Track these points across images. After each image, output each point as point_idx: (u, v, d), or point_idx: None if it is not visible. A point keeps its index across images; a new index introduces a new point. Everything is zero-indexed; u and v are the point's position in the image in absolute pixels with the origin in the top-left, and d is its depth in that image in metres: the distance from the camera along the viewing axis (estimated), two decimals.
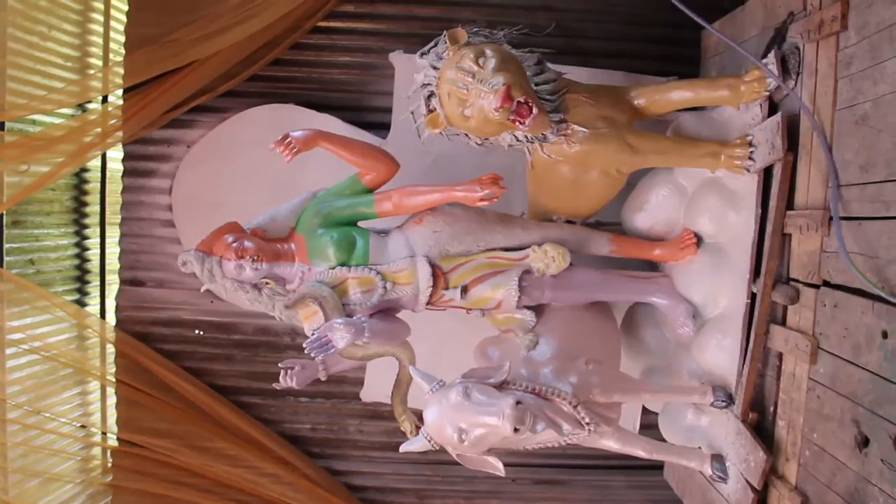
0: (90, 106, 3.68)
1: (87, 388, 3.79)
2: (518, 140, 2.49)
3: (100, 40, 3.80)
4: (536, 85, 2.44)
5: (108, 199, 3.92)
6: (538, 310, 2.77)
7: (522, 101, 2.29)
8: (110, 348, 3.75)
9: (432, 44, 2.48)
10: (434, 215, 2.72)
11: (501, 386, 2.38)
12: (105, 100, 3.65)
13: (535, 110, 2.30)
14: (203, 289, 2.76)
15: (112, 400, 3.78)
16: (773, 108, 2.55)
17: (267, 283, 2.69)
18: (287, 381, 2.65)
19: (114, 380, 3.68)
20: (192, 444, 3.62)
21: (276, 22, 3.50)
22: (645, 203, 2.90)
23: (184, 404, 3.64)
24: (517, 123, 2.32)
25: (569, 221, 2.89)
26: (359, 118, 3.54)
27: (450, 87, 2.37)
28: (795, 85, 2.44)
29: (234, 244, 2.61)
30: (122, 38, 3.65)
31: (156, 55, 3.44)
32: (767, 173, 2.51)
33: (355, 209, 2.73)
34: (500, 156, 2.70)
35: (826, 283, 2.22)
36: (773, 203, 2.46)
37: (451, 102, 2.39)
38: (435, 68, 2.42)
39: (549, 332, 2.70)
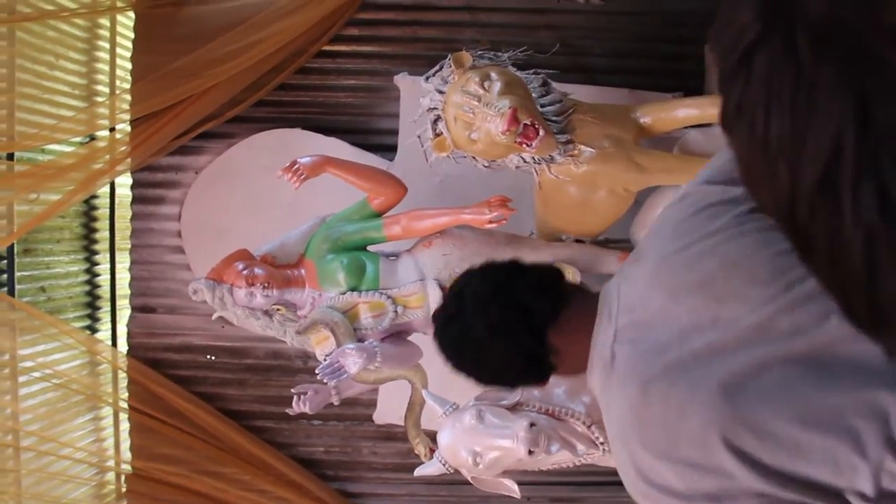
0: (98, 133, 3.70)
1: (100, 413, 3.81)
2: (525, 162, 2.49)
3: (106, 69, 3.83)
4: (542, 106, 2.44)
5: (117, 226, 3.94)
6: None
7: (529, 123, 2.29)
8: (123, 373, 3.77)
9: (437, 67, 2.49)
10: (443, 238, 2.72)
11: (515, 408, 2.37)
12: (113, 128, 3.68)
13: (541, 132, 2.30)
14: (215, 316, 2.77)
15: (125, 426, 3.79)
16: None
17: (278, 310, 2.70)
18: (300, 406, 2.66)
19: (126, 406, 3.69)
20: (206, 469, 3.62)
21: (282, 47, 3.53)
22: (653, 221, 2.90)
23: (197, 430, 3.64)
24: (524, 146, 2.32)
25: (578, 241, 2.89)
26: (366, 141, 3.56)
27: (456, 111, 2.38)
28: None
29: (245, 271, 2.63)
30: (129, 67, 3.68)
31: (162, 83, 3.47)
32: None
33: (364, 234, 2.74)
34: (508, 177, 2.70)
35: None
36: None
37: (457, 126, 2.40)
38: (440, 92, 2.43)
39: None
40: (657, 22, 3.26)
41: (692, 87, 3.29)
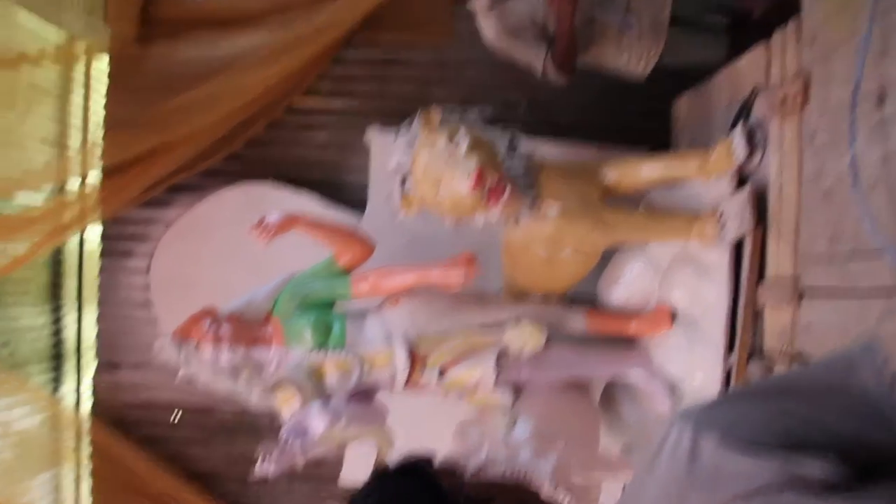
0: (70, 183, 3.69)
1: (61, 470, 3.73)
2: (492, 220, 2.51)
3: (79, 121, 3.83)
4: (509, 165, 2.48)
5: (85, 279, 3.91)
6: (516, 389, 2.76)
7: (495, 182, 2.33)
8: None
9: (406, 125, 2.52)
10: (411, 296, 2.72)
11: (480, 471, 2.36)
12: (83, 180, 3.67)
13: (508, 191, 2.34)
14: (180, 375, 2.74)
15: (87, 483, 3.72)
16: (742, 181, 2.59)
17: (244, 369, 2.67)
18: (265, 467, 2.62)
19: (89, 465, 3.62)
20: None
21: (254, 101, 3.56)
22: (619, 278, 2.92)
23: (160, 491, 3.57)
24: (491, 205, 2.35)
25: (545, 298, 2.90)
26: (336, 194, 3.58)
27: (423, 170, 2.40)
28: (762, 159, 2.49)
29: (211, 330, 2.61)
30: (102, 118, 3.69)
31: (134, 135, 3.48)
32: (739, 246, 2.54)
33: (332, 291, 2.74)
34: (476, 234, 2.71)
35: (800, 356, 2.23)
36: (744, 276, 2.48)
37: (425, 185, 2.42)
38: (409, 151, 2.46)
39: (527, 411, 2.69)
40: (625, 78, 3.31)
41: (660, 143, 3.33)
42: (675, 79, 3.25)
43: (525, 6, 2.97)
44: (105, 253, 3.74)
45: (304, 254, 2.90)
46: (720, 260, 2.58)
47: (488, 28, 2.99)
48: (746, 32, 3.06)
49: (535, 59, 2.97)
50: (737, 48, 2.96)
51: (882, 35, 1.82)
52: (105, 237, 3.74)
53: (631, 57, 3.05)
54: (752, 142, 2.52)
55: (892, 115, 1.81)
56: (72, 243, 3.86)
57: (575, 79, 3.06)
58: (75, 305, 3.91)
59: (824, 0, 2.16)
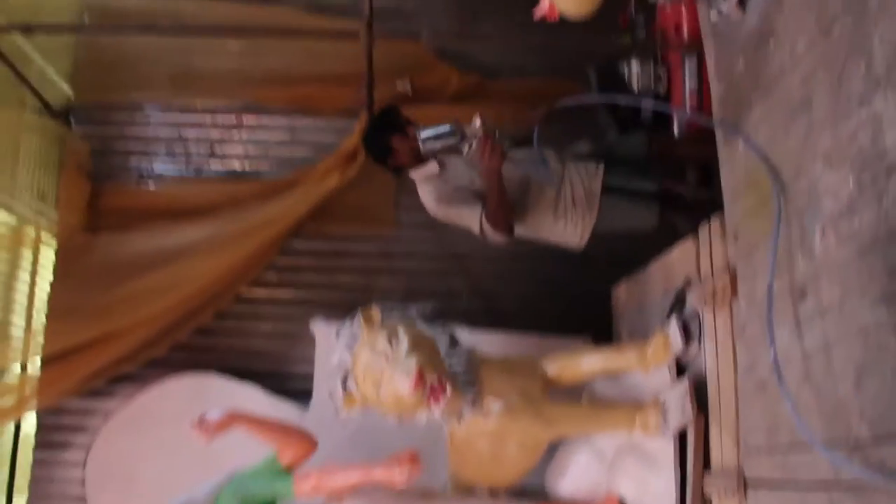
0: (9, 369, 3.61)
1: None
2: (435, 418, 2.51)
3: (23, 307, 3.80)
4: (450, 363, 2.51)
5: (17, 470, 3.74)
6: None
7: (436, 382, 2.35)
8: None
9: (347, 323, 2.55)
10: (354, 495, 2.66)
11: None
12: (24, 367, 3.60)
13: (448, 390, 2.36)
14: None
15: None
16: (682, 370, 2.64)
17: None
18: None
19: None
20: None
21: (201, 290, 3.58)
22: (566, 469, 2.89)
23: None
24: (433, 404, 2.36)
25: (492, 493, 2.85)
26: (282, 386, 3.55)
27: (364, 369, 2.43)
28: (699, 347, 2.54)
29: None
30: (46, 305, 3.67)
31: (78, 323, 3.45)
32: (683, 433, 2.55)
33: (273, 491, 2.66)
34: (421, 427, 2.69)
35: None
36: (689, 466, 2.47)
37: (366, 384, 2.43)
38: (350, 350, 2.48)
39: None
40: (565, 265, 3.41)
41: (602, 328, 3.39)
42: (614, 264, 3.35)
43: (463, 169, 3.06)
44: (40, 444, 3.61)
45: (248, 449, 2.84)
46: (665, 449, 2.57)
47: (427, 195, 3.07)
48: (677, 199, 3.21)
49: (471, 218, 3.01)
50: (668, 214, 3.11)
51: (793, 235, 1.91)
52: (41, 427, 3.62)
53: (567, 224, 3.11)
54: (687, 332, 2.58)
55: (808, 313, 1.87)
56: (5, 432, 3.72)
57: (516, 265, 3.15)
58: (4, 499, 3.71)
59: (743, 199, 2.28)
